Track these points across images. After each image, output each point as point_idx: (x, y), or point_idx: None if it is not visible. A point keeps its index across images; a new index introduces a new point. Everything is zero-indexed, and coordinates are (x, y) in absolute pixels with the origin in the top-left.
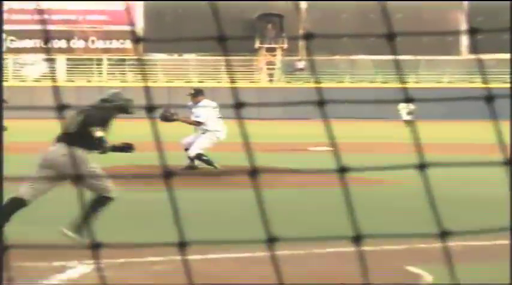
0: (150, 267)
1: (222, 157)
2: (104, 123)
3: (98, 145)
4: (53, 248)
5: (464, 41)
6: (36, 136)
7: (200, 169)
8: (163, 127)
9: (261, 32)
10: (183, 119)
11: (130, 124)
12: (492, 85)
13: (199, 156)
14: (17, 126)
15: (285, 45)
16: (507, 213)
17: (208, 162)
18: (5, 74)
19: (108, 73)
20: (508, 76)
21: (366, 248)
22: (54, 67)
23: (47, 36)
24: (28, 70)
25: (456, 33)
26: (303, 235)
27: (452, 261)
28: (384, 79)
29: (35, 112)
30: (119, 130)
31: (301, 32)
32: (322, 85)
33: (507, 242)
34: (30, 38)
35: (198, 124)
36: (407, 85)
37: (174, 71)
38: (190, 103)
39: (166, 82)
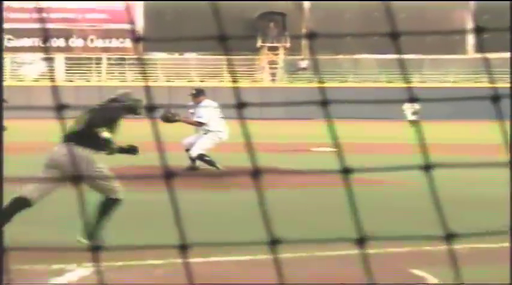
0: (150, 270)
1: (223, 158)
2: (110, 124)
3: (104, 146)
4: (51, 251)
5: (471, 39)
6: (35, 136)
7: (201, 169)
8: (164, 127)
9: (263, 30)
10: (185, 120)
11: (130, 125)
12: (498, 84)
13: (201, 157)
14: (15, 126)
15: (288, 44)
16: None
17: (211, 163)
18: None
19: (107, 73)
20: None
21: (369, 250)
22: (52, 67)
23: (45, 35)
24: (26, 69)
25: (462, 31)
26: (305, 236)
27: (458, 264)
28: (388, 79)
29: (33, 112)
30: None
31: (304, 30)
32: (325, 84)
33: None
34: (28, 37)
35: (200, 124)
36: (412, 85)
37: (175, 70)
38: (191, 103)
39: (167, 81)
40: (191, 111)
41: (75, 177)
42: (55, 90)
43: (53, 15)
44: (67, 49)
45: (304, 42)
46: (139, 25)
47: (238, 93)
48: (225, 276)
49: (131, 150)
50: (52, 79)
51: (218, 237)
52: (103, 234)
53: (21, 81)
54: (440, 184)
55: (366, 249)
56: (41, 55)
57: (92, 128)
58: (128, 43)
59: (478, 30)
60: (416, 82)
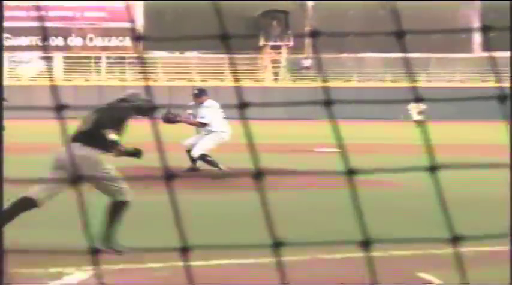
0: (150, 273)
1: (225, 158)
2: (117, 124)
3: (110, 147)
4: (49, 254)
5: (477, 38)
6: (33, 136)
7: (202, 170)
8: (164, 127)
9: (266, 29)
10: (186, 120)
11: (130, 125)
12: (505, 84)
13: (203, 157)
14: (13, 126)
15: (291, 43)
16: None
17: (213, 163)
18: None
19: (106, 72)
20: None
21: (374, 253)
22: (51, 66)
23: (44, 34)
24: (24, 68)
25: (468, 30)
26: (308, 238)
27: (465, 267)
28: (393, 78)
29: (31, 112)
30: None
31: (307, 29)
32: (328, 84)
33: None
34: (25, 35)
35: (202, 125)
36: (418, 84)
37: (176, 70)
38: (192, 103)
39: (167, 81)
40: (189, 111)
41: (82, 178)
42: (54, 89)
43: (51, 13)
44: (66, 48)
45: (308, 41)
46: (140, 24)
47: (240, 92)
48: (227, 279)
49: (136, 153)
50: (51, 79)
51: (220, 240)
52: (115, 238)
53: (18, 80)
54: (446, 185)
55: (371, 252)
56: (39, 54)
57: (99, 129)
58: (127, 42)
59: (485, 29)
60: (422, 81)
